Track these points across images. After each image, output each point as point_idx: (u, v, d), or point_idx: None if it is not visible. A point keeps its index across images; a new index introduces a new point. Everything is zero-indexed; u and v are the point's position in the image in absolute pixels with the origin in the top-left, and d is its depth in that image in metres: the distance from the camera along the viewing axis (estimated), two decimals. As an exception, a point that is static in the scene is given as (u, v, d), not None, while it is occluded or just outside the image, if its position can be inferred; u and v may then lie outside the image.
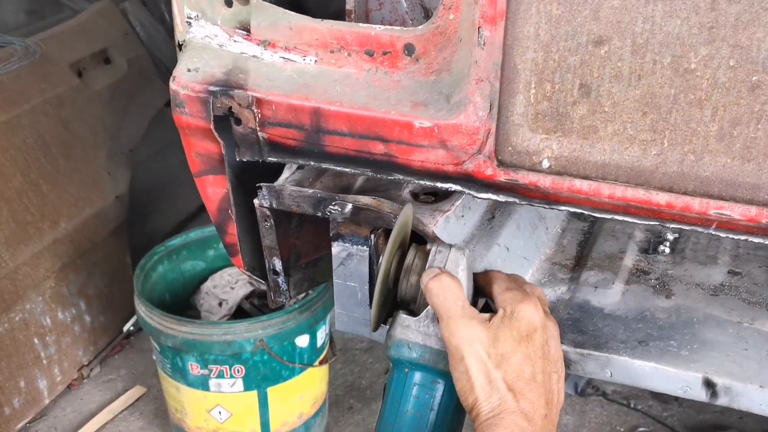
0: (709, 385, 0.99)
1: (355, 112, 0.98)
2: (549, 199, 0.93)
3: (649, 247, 1.24)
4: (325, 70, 1.04)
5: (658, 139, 0.81)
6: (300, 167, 1.20)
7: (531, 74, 0.85)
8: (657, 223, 0.90)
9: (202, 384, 2.20)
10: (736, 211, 0.82)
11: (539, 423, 0.78)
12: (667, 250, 1.23)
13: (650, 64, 0.79)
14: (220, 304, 2.48)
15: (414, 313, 0.90)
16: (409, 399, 0.86)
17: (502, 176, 0.92)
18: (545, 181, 0.90)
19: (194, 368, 2.17)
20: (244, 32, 1.10)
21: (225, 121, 1.07)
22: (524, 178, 0.91)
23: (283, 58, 1.07)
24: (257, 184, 1.13)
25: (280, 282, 1.23)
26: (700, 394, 0.99)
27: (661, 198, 0.85)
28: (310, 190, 1.10)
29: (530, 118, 0.87)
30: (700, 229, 0.88)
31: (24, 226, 2.64)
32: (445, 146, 0.94)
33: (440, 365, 0.86)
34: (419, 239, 1.05)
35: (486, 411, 0.77)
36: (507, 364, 0.79)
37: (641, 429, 2.71)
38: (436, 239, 1.03)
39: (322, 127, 1.00)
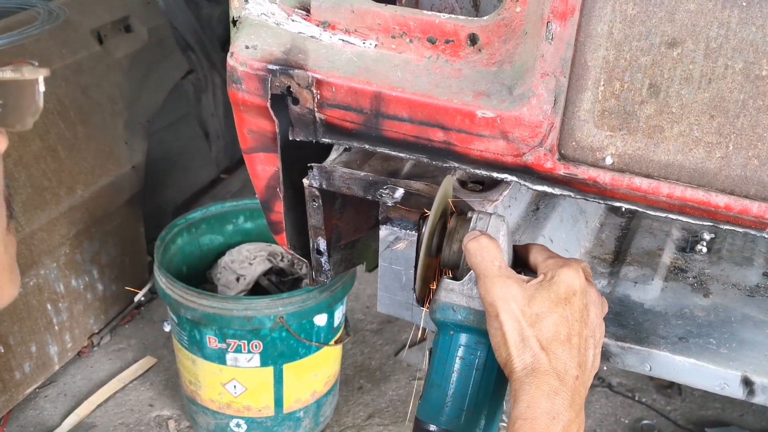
0: (747, 383, 1.01)
1: (417, 98, 0.99)
2: (605, 194, 0.95)
3: (687, 246, 1.26)
4: (385, 54, 1.05)
5: (724, 142, 0.83)
6: (347, 149, 1.21)
7: (601, 72, 0.86)
8: (711, 224, 0.92)
9: (219, 358, 2.22)
10: (795, 217, 0.84)
11: (570, 384, 0.79)
12: (704, 250, 1.25)
13: (722, 68, 0.80)
14: (238, 279, 2.49)
15: (457, 279, 0.93)
16: (455, 360, 0.88)
17: (562, 170, 0.94)
18: (605, 177, 0.92)
19: (212, 342, 2.19)
20: (304, 12, 1.11)
21: (281, 100, 1.08)
22: (584, 173, 0.92)
23: (342, 40, 1.08)
24: (308, 164, 1.15)
25: (323, 262, 1.24)
26: (738, 392, 1.02)
27: (720, 200, 0.87)
28: (362, 173, 1.12)
29: (596, 115, 0.88)
30: (753, 232, 0.90)
31: (41, 191, 2.65)
32: (506, 137, 0.95)
33: (484, 326, 0.88)
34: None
35: (519, 368, 0.79)
36: (541, 324, 0.81)
37: (645, 422, 2.75)
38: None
39: (382, 111, 1.02)
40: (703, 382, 1.03)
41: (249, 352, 2.20)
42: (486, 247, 0.86)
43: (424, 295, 0.97)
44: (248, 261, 2.53)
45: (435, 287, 0.99)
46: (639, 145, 0.87)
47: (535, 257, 0.91)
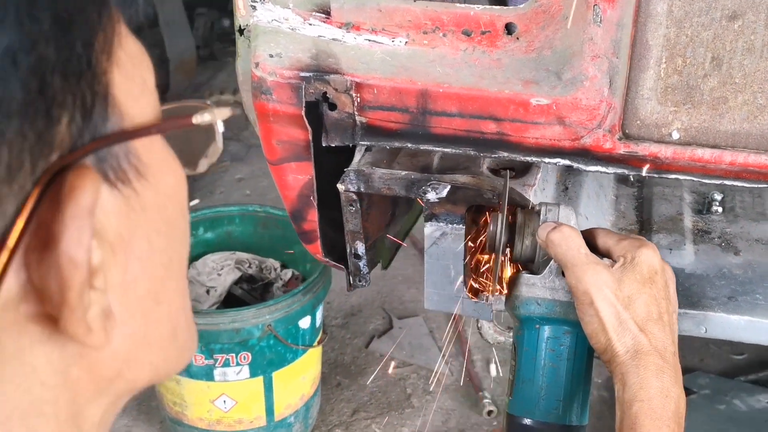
0: (799, 333, 1.06)
1: (466, 92, 0.98)
2: (661, 168, 0.97)
3: (703, 208, 1.31)
4: (417, 51, 1.04)
5: (788, 106, 0.86)
6: (368, 149, 1.19)
7: (663, 50, 0.88)
8: (765, 186, 0.95)
9: (207, 375, 2.16)
10: None
11: (671, 360, 0.82)
12: (720, 209, 1.30)
13: (784, 35, 0.83)
14: (208, 292, 2.42)
15: (534, 272, 0.93)
16: (544, 352, 0.89)
17: (621, 149, 0.95)
18: (667, 152, 0.93)
19: (198, 359, 2.12)
20: (323, 15, 1.08)
21: (315, 107, 1.05)
22: (645, 149, 0.94)
23: (369, 40, 1.06)
24: (344, 169, 1.12)
25: (362, 265, 1.22)
26: (791, 343, 1.07)
27: (782, 162, 0.90)
28: (403, 173, 1.10)
29: (659, 92, 0.90)
30: (807, 189, 0.94)
31: None
32: (563, 122, 0.96)
33: (570, 316, 0.89)
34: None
35: (622, 351, 0.80)
36: (634, 306, 0.82)
37: (617, 379, 2.85)
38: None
39: (429, 108, 1.00)
40: (759, 337, 1.08)
41: (238, 364, 2.14)
42: (570, 236, 0.87)
43: (505, 291, 0.97)
44: (216, 272, 2.46)
45: (503, 283, 0.99)
46: (704, 117, 0.89)
47: (605, 241, 0.92)
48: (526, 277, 0.92)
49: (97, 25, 0.38)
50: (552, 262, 0.91)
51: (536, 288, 0.91)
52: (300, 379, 2.32)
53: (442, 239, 1.12)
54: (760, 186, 0.95)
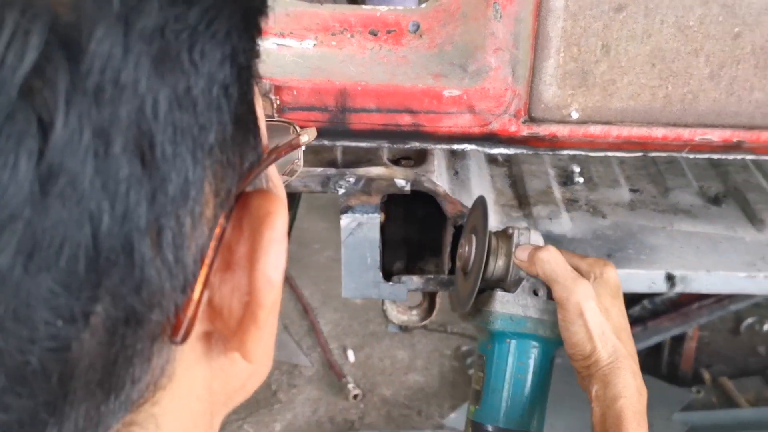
0: (669, 278, 1.23)
1: (383, 88, 1.04)
2: (556, 146, 1.09)
3: (567, 180, 1.47)
4: (326, 52, 1.08)
5: (664, 84, 1.01)
6: (269, 150, 1.21)
7: (561, 40, 0.99)
8: (642, 154, 1.10)
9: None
10: (716, 135, 1.05)
11: (637, 364, 0.93)
12: (581, 180, 1.46)
13: (658, 24, 0.98)
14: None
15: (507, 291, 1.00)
16: (513, 365, 0.97)
17: (525, 131, 1.06)
18: (564, 131, 1.05)
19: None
20: (224, 19, 1.08)
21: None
22: (545, 130, 1.05)
23: (277, 44, 1.08)
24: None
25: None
26: (663, 287, 1.24)
27: (659, 132, 1.05)
28: (319, 169, 1.14)
29: (559, 78, 1.01)
30: (675, 154, 1.10)
31: None
32: (473, 111, 1.05)
33: (539, 331, 0.98)
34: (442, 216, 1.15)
35: (605, 357, 0.90)
36: (611, 317, 0.92)
37: (464, 348, 3.05)
38: (454, 200, 1.14)
39: (348, 106, 1.05)
40: (637, 286, 1.24)
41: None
42: (556, 254, 0.95)
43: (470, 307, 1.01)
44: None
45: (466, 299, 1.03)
46: (597, 98, 1.02)
47: (570, 259, 0.99)
48: (500, 294, 0.98)
49: (257, 46, 0.39)
50: (525, 281, 0.98)
51: (510, 305, 0.98)
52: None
53: (358, 230, 1.17)
54: (636, 155, 1.10)
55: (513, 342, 0.97)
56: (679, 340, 2.83)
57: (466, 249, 1.01)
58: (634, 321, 2.94)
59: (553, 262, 0.94)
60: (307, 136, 0.50)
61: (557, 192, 1.43)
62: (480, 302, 1.00)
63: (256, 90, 0.41)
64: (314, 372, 2.86)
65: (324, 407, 2.71)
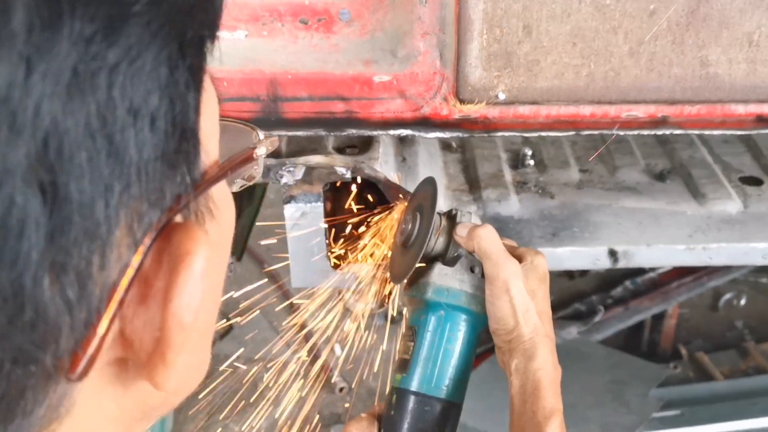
0: (612, 254, 1.26)
1: (313, 76, 1.06)
2: (490, 128, 1.11)
3: (518, 164, 1.49)
4: (258, 42, 1.10)
5: (586, 63, 1.03)
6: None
7: (482, 23, 1.01)
8: (574, 132, 1.12)
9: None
10: (641, 111, 1.07)
11: (553, 343, 0.97)
12: (532, 163, 1.48)
13: (577, 2, 1.00)
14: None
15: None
16: (444, 336, 1.00)
17: (456, 114, 1.08)
18: (494, 112, 1.07)
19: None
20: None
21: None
22: (476, 112, 1.07)
23: (210, 36, 1.10)
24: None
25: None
26: (607, 263, 1.26)
27: (586, 110, 1.07)
28: (259, 160, 1.16)
29: (484, 60, 1.03)
30: (605, 132, 1.12)
31: None
32: (404, 95, 1.07)
33: (471, 306, 1.00)
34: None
35: (526, 333, 0.93)
36: (536, 298, 0.96)
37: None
38: (397, 186, 1.16)
39: (280, 95, 1.07)
40: (581, 263, 1.26)
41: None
42: (493, 233, 0.98)
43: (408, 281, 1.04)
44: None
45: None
46: (522, 78, 1.04)
47: (507, 245, 1.02)
48: (440, 267, 1.01)
49: (204, 76, 0.38)
50: (463, 258, 1.01)
51: (447, 278, 1.00)
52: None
53: (302, 219, 1.19)
54: (569, 134, 1.12)
55: (446, 313, 0.99)
56: (659, 319, 2.85)
57: (410, 225, 1.04)
58: (616, 302, 2.97)
59: (489, 240, 0.96)
60: (264, 149, 0.49)
61: (508, 175, 1.45)
62: (417, 275, 1.02)
63: (205, 108, 0.39)
64: (300, 366, 2.88)
65: (310, 401, 2.74)
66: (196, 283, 0.36)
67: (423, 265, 1.04)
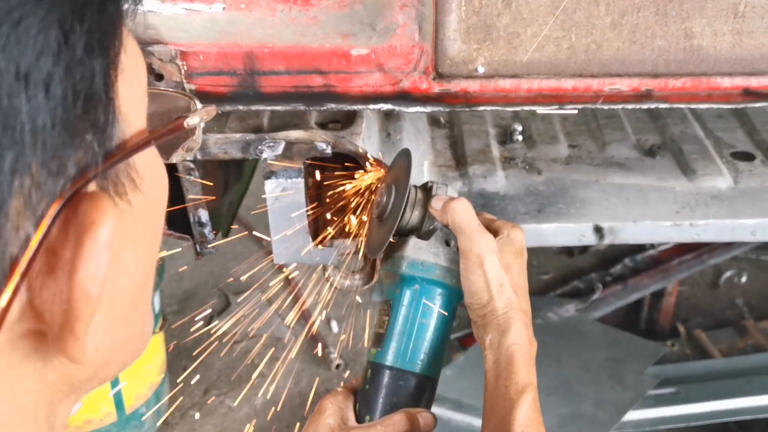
0: (598, 230, 1.24)
1: (290, 50, 1.04)
2: (471, 102, 1.09)
3: (506, 139, 1.47)
4: (236, 15, 1.08)
5: (567, 35, 1.01)
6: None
7: (461, -6, 0.99)
8: (557, 107, 1.11)
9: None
10: (624, 84, 1.05)
11: (530, 318, 0.95)
12: (520, 138, 1.46)
13: (557, -26, 0.97)
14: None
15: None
16: (419, 309, 0.99)
17: (436, 88, 1.06)
18: (474, 86, 1.06)
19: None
20: (135, -12, 1.09)
21: (142, 80, 1.06)
22: (456, 86, 1.06)
23: (187, 9, 1.08)
24: (178, 139, 1.14)
25: (207, 233, 1.25)
26: (592, 239, 1.25)
27: (568, 84, 1.05)
28: (238, 135, 1.14)
29: (463, 32, 1.01)
30: (589, 106, 1.10)
31: None
32: (383, 69, 1.05)
33: (446, 280, 0.99)
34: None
35: (501, 307, 0.92)
36: (511, 272, 0.94)
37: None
38: (373, 159, 1.14)
39: (257, 69, 1.05)
40: (566, 239, 1.24)
41: (79, 363, 2.07)
42: (468, 206, 0.96)
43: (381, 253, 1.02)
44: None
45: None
46: (502, 51, 1.02)
47: (483, 219, 1.00)
48: (414, 240, 1.00)
49: (114, 41, 0.36)
50: (438, 231, 0.99)
51: (422, 252, 0.99)
52: (146, 368, 2.29)
53: (283, 195, 1.18)
54: (552, 108, 1.10)
55: (421, 287, 0.98)
56: (658, 296, 2.84)
57: (385, 198, 1.02)
58: (615, 280, 2.95)
59: (463, 213, 0.95)
60: (198, 118, 0.47)
61: (495, 151, 1.43)
62: (393, 248, 1.01)
63: (125, 75, 0.38)
64: (297, 344, 2.89)
65: (306, 378, 2.74)
66: (102, 254, 0.35)
67: (397, 238, 1.03)
